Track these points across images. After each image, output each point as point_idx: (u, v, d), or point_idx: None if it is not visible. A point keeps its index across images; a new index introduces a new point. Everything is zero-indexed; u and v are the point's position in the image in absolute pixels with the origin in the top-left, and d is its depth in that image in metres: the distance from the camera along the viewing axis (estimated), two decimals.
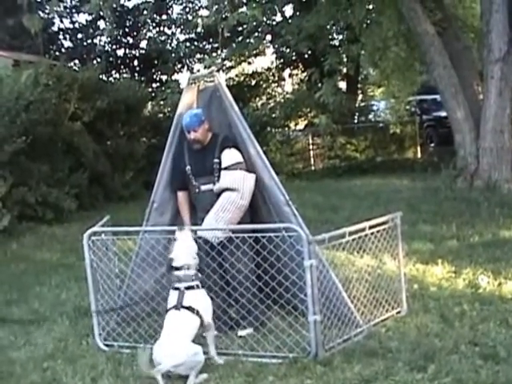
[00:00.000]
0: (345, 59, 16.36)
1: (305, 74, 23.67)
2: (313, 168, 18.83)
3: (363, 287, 5.56)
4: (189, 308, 4.57)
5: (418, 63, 13.52)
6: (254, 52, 20.64)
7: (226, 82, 23.30)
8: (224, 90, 5.43)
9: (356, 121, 19.57)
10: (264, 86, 25.21)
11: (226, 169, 5.18)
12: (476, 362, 4.30)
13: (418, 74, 14.37)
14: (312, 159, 18.99)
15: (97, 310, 5.33)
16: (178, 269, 4.69)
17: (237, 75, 25.28)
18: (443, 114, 20.71)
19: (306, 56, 21.34)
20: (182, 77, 23.79)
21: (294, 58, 23.01)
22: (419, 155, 18.32)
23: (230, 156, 5.22)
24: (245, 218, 5.22)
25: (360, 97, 22.86)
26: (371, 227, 5.26)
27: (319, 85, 16.82)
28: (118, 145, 15.47)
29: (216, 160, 5.23)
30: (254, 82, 24.95)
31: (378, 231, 5.38)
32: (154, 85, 23.62)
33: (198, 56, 24.29)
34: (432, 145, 20.80)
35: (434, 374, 4.16)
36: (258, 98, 24.65)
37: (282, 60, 24.10)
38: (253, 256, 5.14)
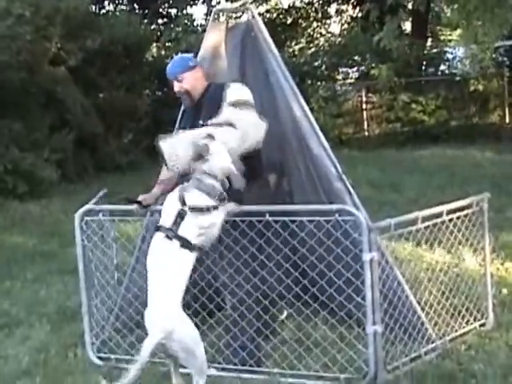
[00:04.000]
0: None
1: (357, 10, 23.55)
2: (367, 134, 18.78)
3: (436, 290, 5.54)
4: (185, 241, 4.37)
5: None
6: None
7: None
8: (260, 28, 5.42)
9: (424, 73, 19.40)
10: (304, 25, 25.13)
11: (230, 104, 4.89)
12: None
13: (510, 11, 14.07)
14: (366, 122, 18.93)
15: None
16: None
17: (268, 10, 25.20)
18: None
19: None
20: (198, 11, 23.77)
21: None
22: (507, 120, 18.16)
23: (238, 90, 4.97)
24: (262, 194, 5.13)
25: (430, 42, 22.66)
26: (450, 212, 5.23)
27: (376, 25, 16.80)
28: (113, 98, 15.59)
29: (201, 122, 4.98)
30: (290, 20, 24.86)
31: (458, 218, 5.34)
32: (160, 21, 23.60)
33: None
34: None
35: None
36: (295, 41, 24.58)
37: None
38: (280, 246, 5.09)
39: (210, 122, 4.85)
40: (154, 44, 19.22)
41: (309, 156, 5.37)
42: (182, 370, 4.52)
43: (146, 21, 19.42)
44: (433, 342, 5.08)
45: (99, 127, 14.92)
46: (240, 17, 5.51)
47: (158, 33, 20.22)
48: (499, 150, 14.72)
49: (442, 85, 18.71)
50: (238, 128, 4.77)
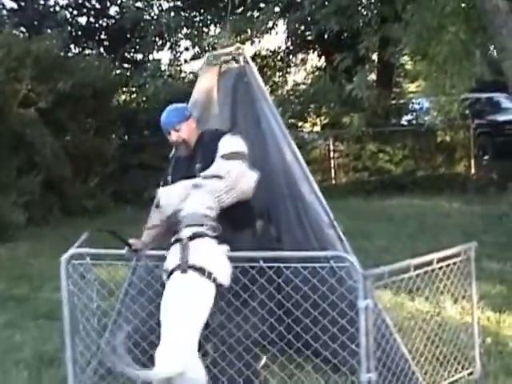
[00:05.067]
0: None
1: (323, 60, 23.86)
2: (334, 182, 18.87)
3: (420, 339, 5.54)
4: (199, 269, 4.43)
5: (479, 51, 13.55)
6: (262, 28, 20.71)
7: None
8: (253, 73, 5.48)
9: (391, 123, 19.64)
10: (269, 73, 25.30)
11: (222, 157, 5.02)
12: None
13: (478, 65, 14.40)
14: (333, 171, 19.04)
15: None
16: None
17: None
18: (501, 117, 21.02)
19: (326, 37, 21.48)
20: (164, 56, 23.91)
21: (309, 39, 23.19)
22: (473, 171, 18.42)
23: (230, 142, 5.08)
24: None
25: (394, 93, 23.02)
26: (439, 261, 5.27)
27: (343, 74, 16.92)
28: (81, 142, 15.49)
29: (198, 165, 5.09)
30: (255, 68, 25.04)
31: (447, 265, 5.38)
32: (127, 65, 23.67)
33: (185, 30, 24.40)
34: (486, 157, 20.88)
35: None
36: None
37: (295, 41, 24.27)
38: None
39: (201, 174, 4.94)
40: (122, 89, 19.22)
41: (300, 202, 5.40)
42: None
43: (113, 65, 19.40)
44: None
45: (67, 170, 14.83)
46: (233, 61, 5.52)
47: (126, 78, 20.21)
48: (466, 201, 14.91)
49: (409, 135, 18.93)
50: (225, 178, 4.86)
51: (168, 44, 24.30)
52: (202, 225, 4.64)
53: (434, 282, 5.37)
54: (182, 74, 22.29)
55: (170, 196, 4.93)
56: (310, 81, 25.41)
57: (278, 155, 5.43)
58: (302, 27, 22.28)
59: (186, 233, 4.62)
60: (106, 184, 15.79)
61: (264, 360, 5.56)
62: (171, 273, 4.57)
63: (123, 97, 19.26)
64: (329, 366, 5.11)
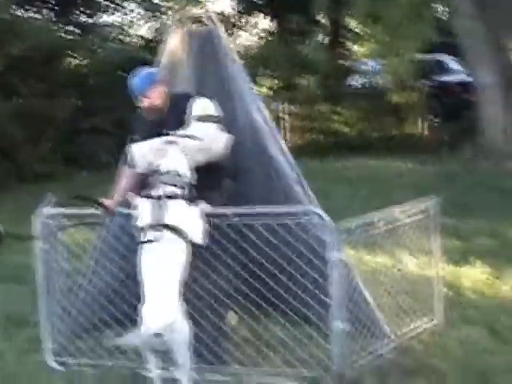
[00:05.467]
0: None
1: (274, 23, 23.89)
2: (289, 144, 18.98)
3: (383, 291, 5.76)
4: (174, 229, 4.59)
5: (431, 12, 13.82)
6: None
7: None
8: (221, 35, 5.56)
9: (344, 85, 19.78)
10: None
11: (196, 119, 5.16)
12: None
13: (429, 26, 14.63)
14: (286, 133, 19.15)
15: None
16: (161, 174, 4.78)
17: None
18: (449, 78, 21.28)
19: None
20: (114, 20, 23.59)
21: (260, 2, 23.22)
22: (425, 131, 18.70)
23: (204, 105, 5.21)
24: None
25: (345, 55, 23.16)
26: (404, 215, 5.51)
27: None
28: (33, 105, 15.29)
29: (170, 129, 5.16)
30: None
31: (411, 220, 5.61)
32: (77, 30, 23.31)
33: None
34: (433, 118, 21.14)
35: None
36: None
37: (245, 3, 24.25)
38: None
39: (175, 132, 5.05)
40: (73, 53, 18.98)
41: (268, 160, 5.53)
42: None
43: (63, 29, 19.16)
44: (389, 340, 5.30)
45: (18, 134, 14.67)
46: (201, 23, 5.60)
47: (77, 42, 19.96)
48: (420, 161, 15.07)
49: (363, 97, 19.08)
50: (199, 138, 4.99)
51: (117, 7, 24.09)
52: (177, 185, 4.76)
53: (394, 237, 5.59)
54: (134, 39, 22.07)
55: (144, 152, 5.04)
56: (260, 44, 25.39)
57: (245, 115, 5.54)
58: None
59: (161, 191, 4.72)
60: (58, 148, 15.66)
61: (232, 315, 5.73)
62: (142, 229, 4.68)
63: (75, 61, 19.01)
64: (300, 317, 5.27)
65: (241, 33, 26.37)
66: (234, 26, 25.57)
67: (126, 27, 23.04)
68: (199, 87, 5.68)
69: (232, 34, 25.91)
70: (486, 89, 11.82)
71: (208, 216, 4.90)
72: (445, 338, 5.51)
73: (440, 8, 17.56)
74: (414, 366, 4.97)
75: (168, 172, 4.77)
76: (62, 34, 19.63)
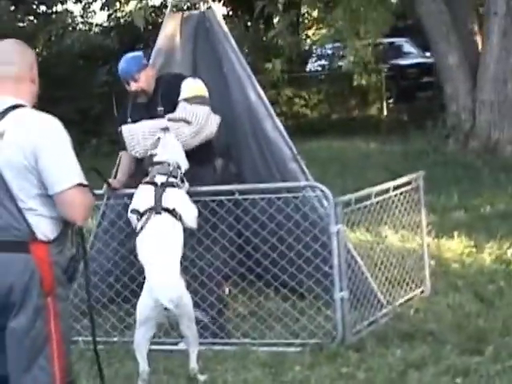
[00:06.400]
0: None
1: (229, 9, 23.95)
2: None
3: (374, 264, 6.00)
4: (172, 211, 4.79)
5: None
6: None
7: (127, 16, 23.27)
8: (217, 18, 5.71)
9: (305, 69, 20.01)
10: None
11: (186, 100, 5.30)
12: None
13: (390, 10, 14.91)
14: None
15: None
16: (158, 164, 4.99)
17: (140, 8, 25.18)
18: (404, 62, 21.59)
19: None
20: (72, 9, 23.45)
21: None
22: (385, 113, 19.02)
23: (192, 85, 5.34)
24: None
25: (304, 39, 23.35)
26: (395, 188, 5.78)
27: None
28: None
29: (160, 108, 5.33)
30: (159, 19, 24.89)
31: (401, 193, 5.88)
32: (35, 18, 23.16)
33: None
34: (391, 100, 21.48)
35: (494, 357, 4.67)
36: None
37: None
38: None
39: (167, 116, 5.24)
40: (33, 41, 18.87)
41: (263, 139, 5.72)
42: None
43: (22, 17, 19.07)
44: (384, 308, 5.55)
45: None
46: (196, 7, 5.75)
47: (37, 30, 19.87)
48: (382, 141, 15.33)
49: (324, 80, 19.34)
50: (192, 123, 5.18)
51: None
52: (172, 175, 4.95)
53: (386, 211, 5.84)
54: (96, 29, 22.03)
55: (138, 136, 5.23)
56: None
57: (241, 95, 5.71)
58: None
59: (159, 179, 4.92)
60: None
61: (227, 289, 5.92)
62: (143, 214, 4.86)
63: (35, 51, 18.92)
64: (303, 288, 5.48)
65: None
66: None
67: (84, 16, 23.03)
68: (192, 71, 5.85)
69: None
70: (450, 69, 12.11)
71: (208, 194, 5.11)
72: (434, 304, 5.77)
73: None
74: (410, 330, 5.20)
75: (163, 162, 4.96)
76: (21, 24, 19.58)
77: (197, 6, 5.76)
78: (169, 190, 4.88)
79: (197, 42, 5.85)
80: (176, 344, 5.11)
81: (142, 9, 14.18)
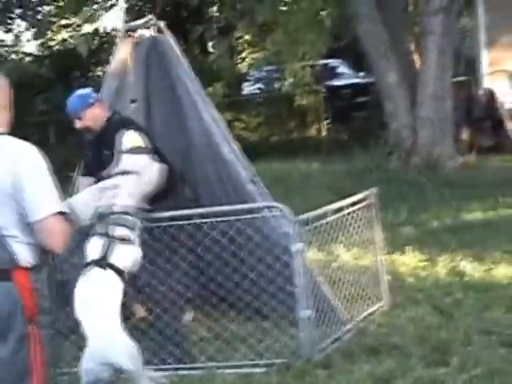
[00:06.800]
0: None
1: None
2: None
3: (331, 282, 6.04)
4: (117, 270, 4.67)
5: (329, 18, 14.19)
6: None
7: (59, 45, 23.15)
8: (169, 41, 5.72)
9: (243, 92, 20.06)
10: (111, 50, 25.00)
11: (127, 152, 5.27)
12: (499, 351, 4.96)
13: (328, 33, 15.09)
14: None
15: None
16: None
17: (71, 36, 25.14)
18: (338, 83, 21.83)
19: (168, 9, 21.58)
20: (4, 37, 23.15)
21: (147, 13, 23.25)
22: (324, 133, 19.18)
23: (132, 138, 5.33)
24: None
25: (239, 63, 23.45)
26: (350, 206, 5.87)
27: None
28: None
29: (107, 152, 5.32)
30: (94, 46, 24.78)
31: (353, 211, 5.96)
32: None
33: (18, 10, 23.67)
34: (327, 121, 21.65)
35: (459, 367, 4.74)
36: (100, 68, 24.52)
37: (134, 16, 24.23)
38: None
39: (112, 171, 5.16)
40: None
41: (220, 161, 5.75)
42: None
43: None
44: (345, 324, 5.60)
45: None
46: (146, 32, 5.76)
47: None
48: (323, 161, 15.37)
49: (262, 103, 19.41)
50: (133, 173, 5.13)
51: (5, 26, 23.66)
52: (125, 226, 4.84)
53: (334, 231, 5.88)
54: (28, 58, 21.81)
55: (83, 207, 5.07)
56: None
57: (196, 119, 5.74)
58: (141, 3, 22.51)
59: (110, 231, 4.79)
60: None
61: (191, 314, 5.90)
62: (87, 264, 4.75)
63: None
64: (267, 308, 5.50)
65: None
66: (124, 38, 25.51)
67: (14, 45, 22.80)
68: (146, 94, 5.86)
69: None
70: (390, 87, 12.32)
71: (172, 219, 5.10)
72: (395, 318, 5.85)
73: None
74: (374, 345, 5.25)
75: (114, 213, 4.85)
76: None
77: (148, 30, 5.75)
78: (118, 244, 4.77)
79: (149, 66, 5.86)
80: None
81: (85, 36, 13.99)
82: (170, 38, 5.73)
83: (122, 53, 5.81)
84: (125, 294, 4.79)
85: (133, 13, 24.26)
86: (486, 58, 15.27)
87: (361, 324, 5.72)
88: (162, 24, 5.73)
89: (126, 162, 5.21)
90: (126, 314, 5.17)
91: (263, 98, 19.79)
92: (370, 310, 5.97)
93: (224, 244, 5.35)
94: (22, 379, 3.10)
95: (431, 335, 5.33)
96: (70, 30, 23.65)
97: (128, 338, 4.48)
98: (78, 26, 23.93)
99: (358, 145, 14.43)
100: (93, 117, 5.38)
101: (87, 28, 25.43)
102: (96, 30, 24.94)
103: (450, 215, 9.28)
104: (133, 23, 5.92)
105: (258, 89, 20.59)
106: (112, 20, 24.67)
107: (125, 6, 23.14)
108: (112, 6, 23.00)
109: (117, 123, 5.41)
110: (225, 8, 14.26)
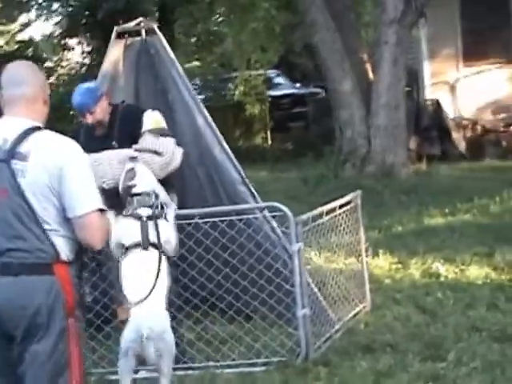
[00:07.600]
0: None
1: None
2: None
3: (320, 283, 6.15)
4: (158, 246, 4.67)
5: (279, 27, 14.44)
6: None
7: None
8: (161, 44, 5.76)
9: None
10: (44, 57, 24.81)
11: (151, 132, 5.21)
12: (493, 346, 5.15)
13: (280, 42, 15.32)
14: None
15: None
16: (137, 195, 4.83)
17: (7, 42, 24.86)
18: (276, 92, 22.01)
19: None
20: None
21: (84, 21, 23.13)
22: (269, 142, 19.34)
23: (156, 118, 5.29)
24: None
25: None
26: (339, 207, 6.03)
27: None
28: None
29: (115, 143, 5.24)
30: (31, 53, 24.52)
31: (345, 211, 6.11)
32: None
33: None
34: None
35: (457, 361, 4.93)
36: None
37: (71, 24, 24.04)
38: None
39: (134, 147, 5.12)
40: None
41: (212, 163, 5.80)
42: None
43: None
44: (335, 324, 5.72)
45: None
46: (137, 34, 5.79)
47: None
48: (271, 169, 15.51)
49: (208, 111, 19.37)
50: (163, 154, 5.14)
51: None
52: (152, 206, 4.79)
53: (328, 231, 6.02)
54: None
55: (101, 166, 5.06)
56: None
57: (188, 121, 5.79)
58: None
59: (143, 212, 4.76)
60: None
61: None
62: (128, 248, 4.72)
63: None
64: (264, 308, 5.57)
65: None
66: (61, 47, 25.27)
67: None
68: (136, 96, 5.89)
69: (58, 53, 25.66)
70: (344, 95, 12.55)
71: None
72: (380, 317, 6.03)
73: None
74: (367, 343, 5.40)
75: (142, 193, 4.82)
76: None
77: (138, 32, 5.77)
78: (153, 223, 4.74)
79: (139, 69, 5.88)
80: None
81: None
82: (162, 40, 5.76)
83: (113, 55, 5.82)
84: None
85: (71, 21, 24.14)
86: (427, 69, 15.63)
87: (349, 324, 5.85)
88: (154, 26, 5.76)
89: (154, 141, 5.14)
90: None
91: (209, 106, 19.75)
92: (355, 311, 6.11)
93: (217, 241, 5.39)
94: (62, 372, 3.14)
95: (422, 332, 5.52)
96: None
97: (167, 322, 4.54)
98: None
99: (305, 154, 14.60)
100: (102, 110, 5.26)
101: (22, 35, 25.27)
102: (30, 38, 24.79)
103: (412, 220, 9.52)
104: (125, 25, 5.91)
105: (205, 98, 20.64)
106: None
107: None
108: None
109: (127, 111, 5.36)
110: (183, 15, 14.23)
